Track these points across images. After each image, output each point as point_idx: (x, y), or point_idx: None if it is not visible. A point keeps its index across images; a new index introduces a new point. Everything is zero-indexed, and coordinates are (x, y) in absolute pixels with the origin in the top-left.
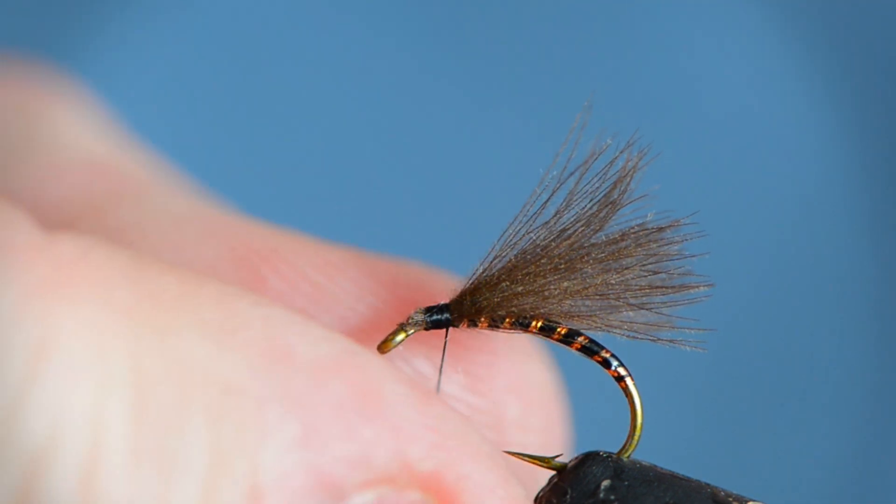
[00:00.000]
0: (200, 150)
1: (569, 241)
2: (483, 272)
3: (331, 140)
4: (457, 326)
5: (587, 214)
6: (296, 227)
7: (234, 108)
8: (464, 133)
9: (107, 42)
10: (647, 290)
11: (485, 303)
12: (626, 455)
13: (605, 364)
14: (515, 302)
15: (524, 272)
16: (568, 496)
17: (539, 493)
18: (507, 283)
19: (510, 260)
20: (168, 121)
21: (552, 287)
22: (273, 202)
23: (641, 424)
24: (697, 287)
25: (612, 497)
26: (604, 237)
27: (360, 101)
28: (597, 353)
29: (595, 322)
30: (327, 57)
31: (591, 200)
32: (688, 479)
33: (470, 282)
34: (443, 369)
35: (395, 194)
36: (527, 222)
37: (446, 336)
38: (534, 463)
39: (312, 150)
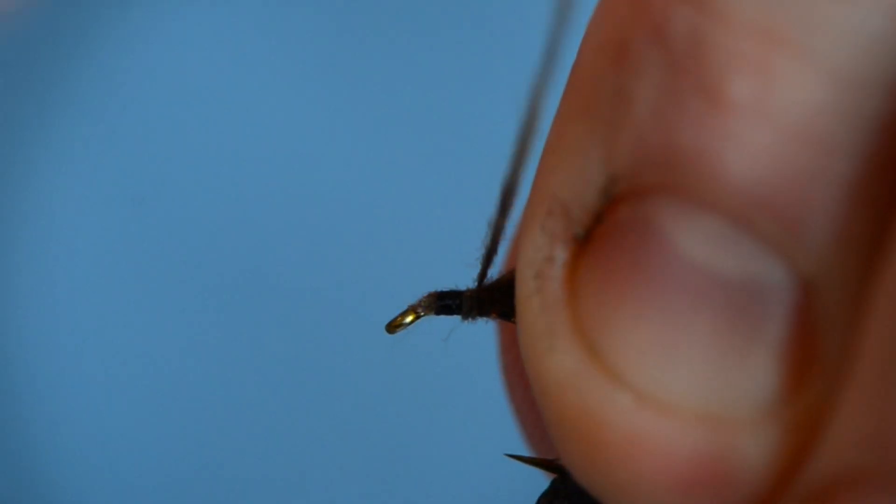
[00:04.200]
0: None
1: None
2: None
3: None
4: (465, 315)
5: None
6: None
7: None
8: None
9: None
10: None
11: (499, 297)
12: None
13: None
14: None
15: None
16: (570, 499)
17: (541, 495)
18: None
19: None
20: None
21: None
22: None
23: None
24: None
25: None
26: None
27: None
28: None
29: None
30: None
31: None
32: None
33: (487, 276)
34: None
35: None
36: None
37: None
38: (536, 465)
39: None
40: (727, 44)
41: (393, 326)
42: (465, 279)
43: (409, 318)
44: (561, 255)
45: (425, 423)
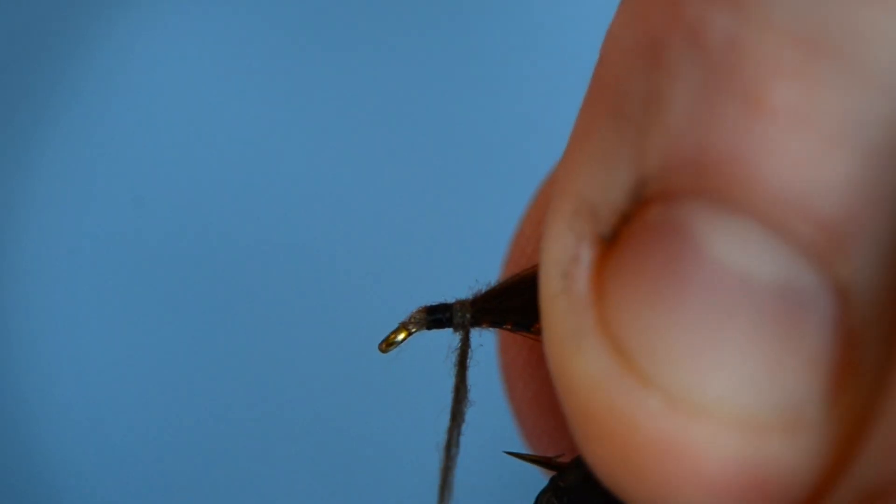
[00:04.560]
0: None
1: None
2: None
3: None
4: (457, 328)
5: None
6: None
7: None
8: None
9: None
10: None
11: (490, 307)
12: None
13: None
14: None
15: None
16: (569, 496)
17: (540, 493)
18: (515, 295)
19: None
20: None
21: None
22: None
23: None
24: None
25: (615, 498)
26: None
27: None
28: None
29: None
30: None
31: None
32: None
33: (478, 289)
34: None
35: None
36: None
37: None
38: (535, 463)
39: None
40: (767, 49)
41: (386, 345)
42: (454, 289)
43: (401, 336)
44: (587, 254)
45: (424, 422)
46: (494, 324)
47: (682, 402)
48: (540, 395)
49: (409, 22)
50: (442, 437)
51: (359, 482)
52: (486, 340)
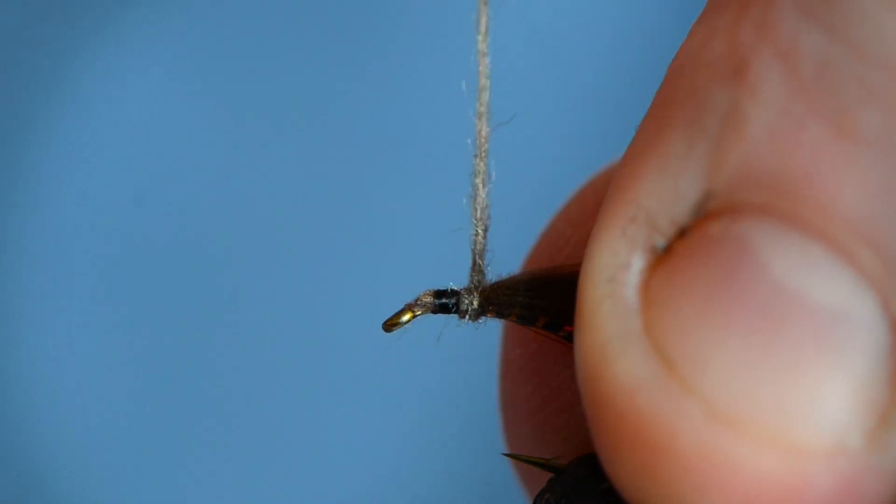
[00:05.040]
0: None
1: None
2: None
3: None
4: (463, 314)
5: None
6: None
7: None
8: None
9: None
10: None
11: (496, 299)
12: None
13: None
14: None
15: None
16: (567, 498)
17: (538, 494)
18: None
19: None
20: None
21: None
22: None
23: None
24: None
25: (612, 499)
26: None
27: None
28: None
29: None
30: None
31: None
32: None
33: (487, 277)
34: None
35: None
36: None
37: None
38: (532, 464)
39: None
40: (859, 75)
41: (390, 325)
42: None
43: (406, 317)
44: (638, 262)
45: (422, 423)
46: (500, 315)
47: (723, 415)
48: (534, 394)
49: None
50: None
51: (356, 481)
52: (485, 340)
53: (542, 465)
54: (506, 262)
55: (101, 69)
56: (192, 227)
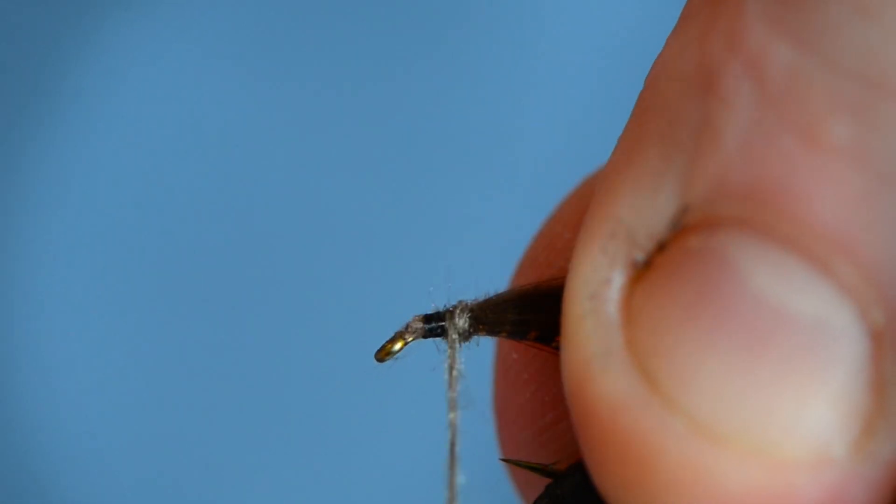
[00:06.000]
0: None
1: None
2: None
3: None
4: (450, 336)
5: None
6: None
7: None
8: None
9: None
10: None
11: (485, 318)
12: None
13: None
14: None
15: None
16: (564, 503)
17: (535, 500)
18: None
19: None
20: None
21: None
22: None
23: None
24: None
25: None
26: None
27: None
28: None
29: None
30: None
31: None
32: None
33: (475, 298)
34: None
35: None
36: None
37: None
38: (530, 470)
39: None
40: (828, 85)
41: (383, 354)
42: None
43: (397, 346)
44: (619, 278)
45: (420, 426)
46: (491, 332)
47: (706, 429)
48: (530, 403)
49: (406, 24)
50: (441, 457)
51: (355, 482)
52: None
53: (540, 470)
54: (503, 267)
55: (102, 69)
56: (195, 228)
